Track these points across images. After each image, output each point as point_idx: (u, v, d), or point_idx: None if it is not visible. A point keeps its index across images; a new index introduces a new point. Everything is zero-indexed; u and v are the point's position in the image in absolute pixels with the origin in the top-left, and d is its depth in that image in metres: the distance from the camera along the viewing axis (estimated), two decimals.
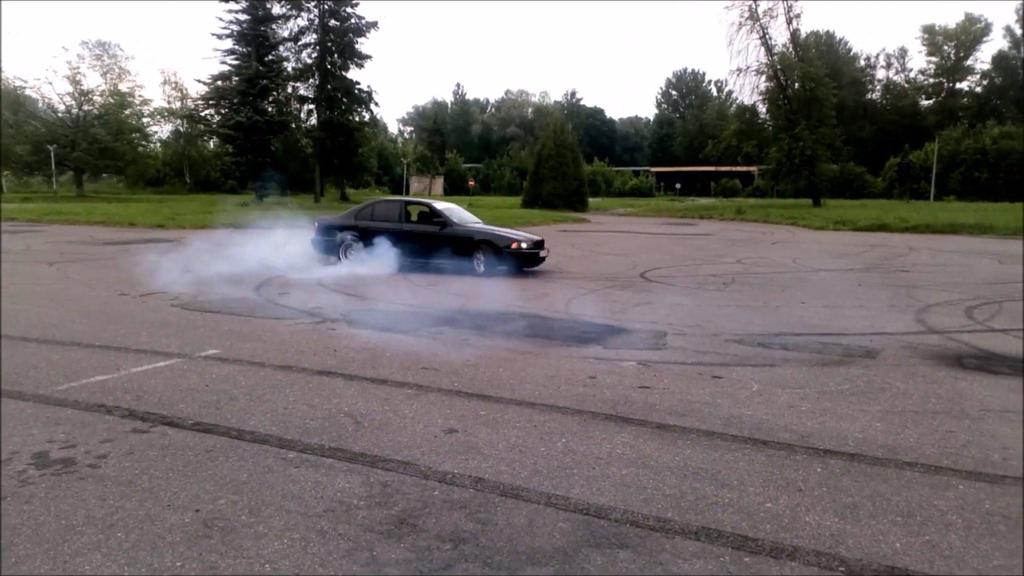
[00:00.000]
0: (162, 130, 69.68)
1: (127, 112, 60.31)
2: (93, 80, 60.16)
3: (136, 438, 4.43)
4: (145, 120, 64.38)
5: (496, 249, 12.82)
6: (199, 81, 49.90)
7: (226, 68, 47.62)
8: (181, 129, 67.61)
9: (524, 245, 12.93)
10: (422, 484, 3.79)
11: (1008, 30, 72.85)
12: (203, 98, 50.46)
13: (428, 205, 14.27)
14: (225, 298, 9.97)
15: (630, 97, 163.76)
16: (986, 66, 74.12)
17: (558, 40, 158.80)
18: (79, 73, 57.72)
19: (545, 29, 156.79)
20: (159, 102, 67.91)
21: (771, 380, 5.98)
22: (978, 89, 75.49)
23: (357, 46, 49.79)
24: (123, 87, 61.24)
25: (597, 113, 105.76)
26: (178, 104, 67.92)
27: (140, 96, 62.48)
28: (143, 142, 64.28)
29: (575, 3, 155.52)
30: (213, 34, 48.07)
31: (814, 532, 3.31)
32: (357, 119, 51.18)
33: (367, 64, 50.96)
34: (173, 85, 69.77)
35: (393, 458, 4.14)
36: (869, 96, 77.94)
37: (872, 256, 17.47)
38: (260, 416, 4.86)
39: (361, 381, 5.78)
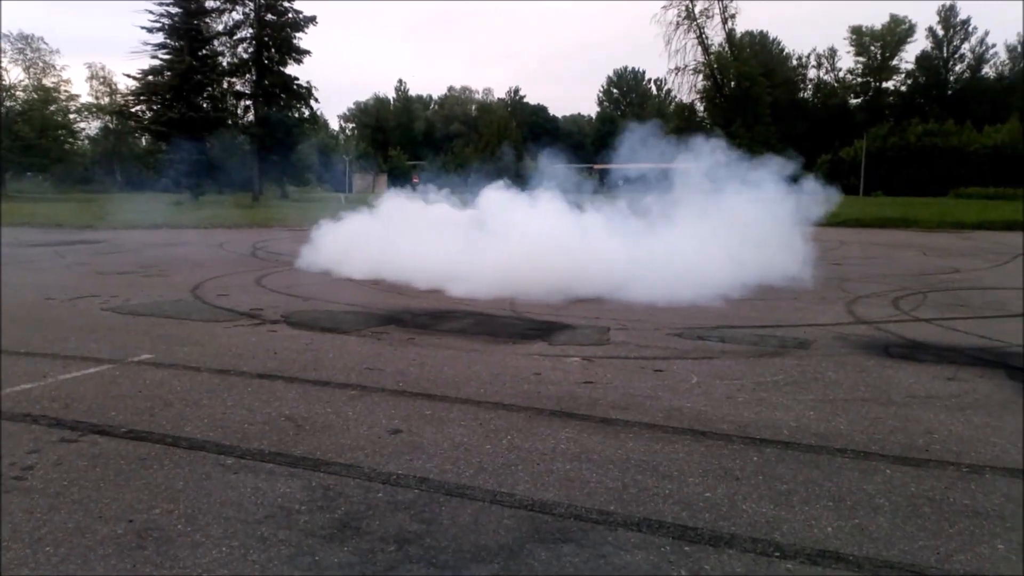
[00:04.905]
0: (90, 127, 67.13)
1: (52, 108, 57.87)
2: (15, 75, 57.57)
3: (64, 448, 4.26)
4: (72, 116, 61.88)
5: None
6: (129, 76, 48.07)
7: (157, 63, 46.12)
8: (110, 126, 65.16)
9: None
10: (366, 486, 3.75)
11: (931, 31, 76.22)
12: (133, 93, 48.69)
13: None
14: (159, 301, 9.66)
15: (572, 95, 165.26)
16: (910, 66, 77.38)
17: (500, 38, 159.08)
18: (0, 68, 55.10)
19: (487, 26, 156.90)
20: (86, 97, 65.41)
21: (710, 372, 6.12)
22: (903, 88, 78.68)
23: (295, 41, 48.90)
24: (47, 82, 58.79)
25: (540, 111, 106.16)
26: (107, 100, 65.46)
27: (66, 91, 60.10)
28: (70, 139, 61.76)
29: (517, 1, 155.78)
30: (143, 27, 46.33)
31: (751, 519, 3.41)
32: (296, 115, 50.23)
33: (305, 59, 50.09)
34: (101, 80, 67.25)
35: (336, 461, 4.09)
36: (801, 95, 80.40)
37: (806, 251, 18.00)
38: (196, 422, 4.73)
39: (302, 383, 5.69)
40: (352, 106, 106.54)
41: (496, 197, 12.68)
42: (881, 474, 3.98)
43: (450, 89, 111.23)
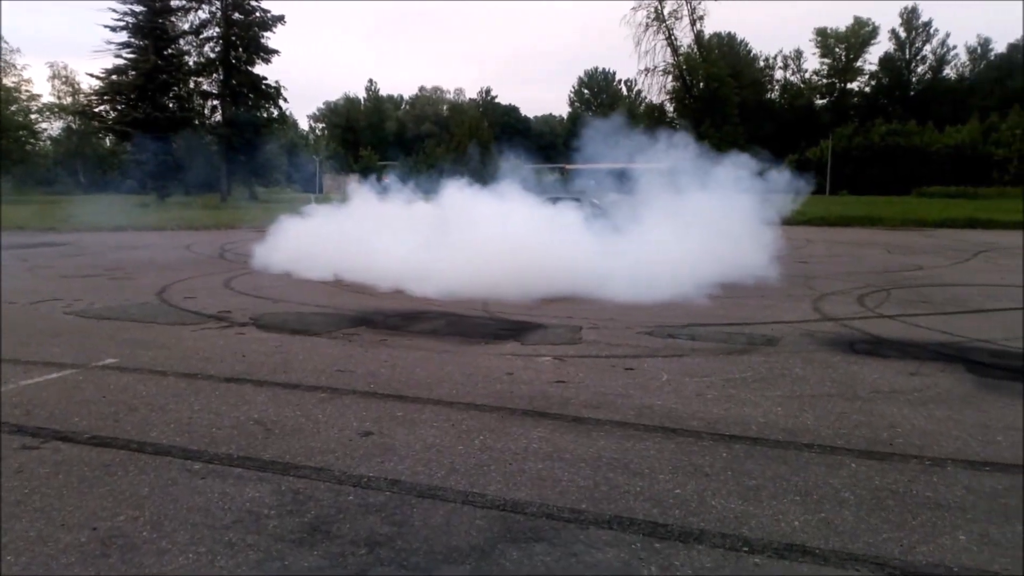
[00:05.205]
0: (52, 127, 65.74)
1: (13, 108, 56.54)
2: None
3: (26, 455, 4.16)
4: (33, 117, 60.56)
5: None
6: (92, 75, 46.96)
7: (121, 62, 45.19)
8: (73, 126, 63.82)
9: None
10: (336, 489, 3.72)
11: (894, 33, 77.78)
12: (97, 93, 47.63)
13: None
14: (124, 304, 9.48)
15: (544, 96, 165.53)
16: (874, 67, 78.88)
17: (472, 38, 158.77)
18: None
19: (459, 26, 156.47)
20: (48, 97, 64.05)
21: (680, 370, 6.18)
22: (867, 89, 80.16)
23: (263, 40, 48.32)
24: (8, 82, 57.46)
25: (512, 111, 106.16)
26: (69, 99, 64.13)
27: (27, 91, 58.81)
28: (31, 140, 60.43)
29: (488, 1, 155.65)
30: (106, 26, 45.30)
31: (720, 515, 3.45)
32: (264, 115, 49.65)
33: (274, 59, 49.51)
34: (63, 79, 65.93)
35: (306, 464, 4.05)
36: (768, 96, 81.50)
37: (774, 248, 18.25)
38: (163, 427, 4.65)
39: (271, 386, 5.62)
40: (322, 106, 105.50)
41: (459, 195, 12.67)
42: (847, 468, 4.05)
43: (421, 89, 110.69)
